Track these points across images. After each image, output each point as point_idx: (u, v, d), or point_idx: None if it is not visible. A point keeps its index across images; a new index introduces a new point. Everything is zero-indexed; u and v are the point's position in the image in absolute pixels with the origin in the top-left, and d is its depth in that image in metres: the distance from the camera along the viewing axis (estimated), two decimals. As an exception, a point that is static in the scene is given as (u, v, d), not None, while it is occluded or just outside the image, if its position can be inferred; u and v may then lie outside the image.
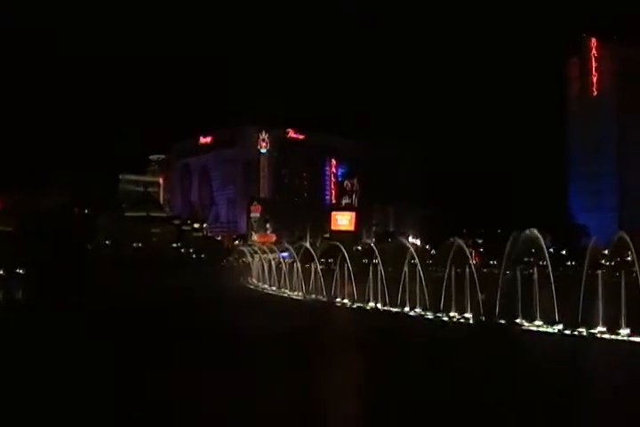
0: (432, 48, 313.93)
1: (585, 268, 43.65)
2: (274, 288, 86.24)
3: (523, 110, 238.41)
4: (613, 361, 33.39)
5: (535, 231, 46.63)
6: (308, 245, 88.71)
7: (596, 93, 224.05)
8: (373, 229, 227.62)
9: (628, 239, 41.15)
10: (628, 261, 44.18)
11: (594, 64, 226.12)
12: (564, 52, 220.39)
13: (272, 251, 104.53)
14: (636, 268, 39.97)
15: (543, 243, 47.07)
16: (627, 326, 37.39)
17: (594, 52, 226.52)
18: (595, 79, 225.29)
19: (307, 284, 74.65)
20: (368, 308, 57.48)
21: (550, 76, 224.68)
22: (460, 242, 54.03)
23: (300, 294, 75.11)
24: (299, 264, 79.36)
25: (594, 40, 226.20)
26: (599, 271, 42.01)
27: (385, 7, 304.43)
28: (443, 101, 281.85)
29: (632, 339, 36.68)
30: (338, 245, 70.00)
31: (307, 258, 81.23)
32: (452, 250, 52.22)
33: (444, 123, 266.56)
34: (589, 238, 46.26)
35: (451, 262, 51.57)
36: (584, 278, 41.83)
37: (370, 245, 65.44)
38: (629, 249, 41.41)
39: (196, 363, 30.21)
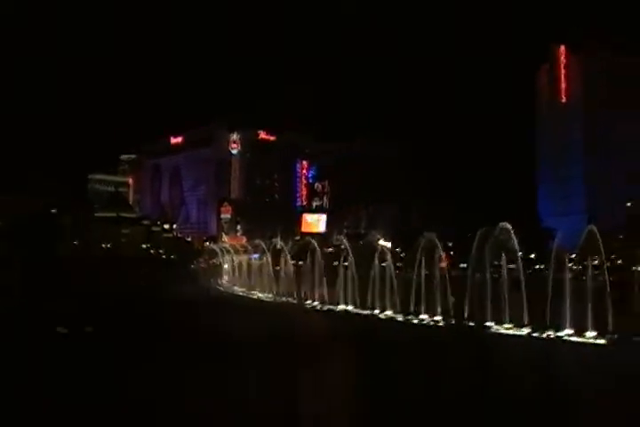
0: (406, 52, 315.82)
1: (551, 271, 44.24)
2: (244, 289, 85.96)
3: (493, 116, 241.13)
4: (577, 363, 33.79)
5: (507, 225, 46.80)
6: (279, 243, 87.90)
7: (564, 99, 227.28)
8: (344, 231, 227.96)
9: (597, 234, 41.74)
10: (595, 264, 44.78)
11: (562, 71, 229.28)
12: (535, 59, 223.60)
13: (245, 250, 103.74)
14: (604, 268, 40.74)
15: (515, 240, 47.24)
16: (593, 329, 38.01)
17: (562, 59, 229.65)
18: (563, 86, 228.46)
19: (277, 285, 74.52)
20: (338, 310, 57.56)
21: (521, 83, 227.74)
22: (432, 236, 53.62)
23: (270, 295, 74.97)
24: (270, 265, 79.21)
25: (563, 47, 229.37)
26: (566, 275, 42.57)
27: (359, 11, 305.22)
28: (415, 105, 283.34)
29: (597, 341, 37.27)
30: (311, 242, 69.78)
31: (277, 259, 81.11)
32: (421, 246, 52.21)
33: (415, 127, 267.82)
34: (558, 242, 46.66)
35: (420, 262, 51.80)
36: (550, 282, 42.48)
37: (340, 246, 65.53)
38: (597, 249, 41.88)
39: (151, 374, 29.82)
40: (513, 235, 46.88)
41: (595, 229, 42.43)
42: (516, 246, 47.58)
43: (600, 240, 41.66)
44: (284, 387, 26.49)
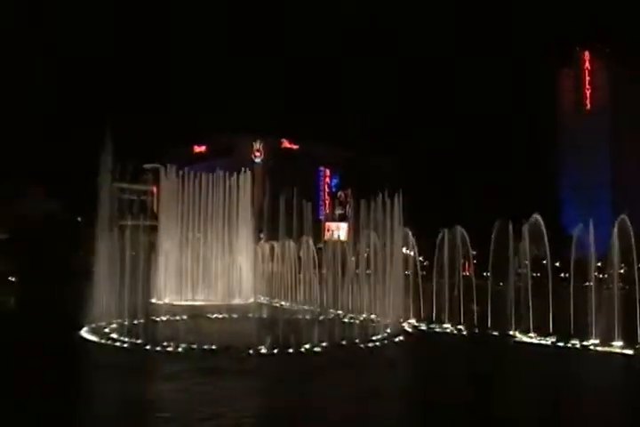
0: (423, 57, 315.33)
1: (571, 279, 43.79)
2: (267, 298, 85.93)
3: (515, 122, 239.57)
4: (607, 373, 33.39)
5: (538, 218, 45.85)
6: (302, 250, 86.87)
7: (589, 106, 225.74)
8: (368, 238, 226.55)
9: (629, 225, 40.69)
10: (622, 273, 44.20)
11: (587, 77, 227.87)
12: (557, 64, 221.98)
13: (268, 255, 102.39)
14: (633, 272, 40.17)
15: (547, 242, 46.46)
16: (620, 339, 37.52)
17: (587, 65, 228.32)
18: (588, 92, 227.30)
19: (300, 293, 74.43)
20: (361, 319, 57.31)
21: (543, 88, 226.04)
22: (462, 230, 52.63)
23: (293, 304, 74.90)
24: (292, 272, 79.14)
25: (587, 53, 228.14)
26: (590, 283, 42.07)
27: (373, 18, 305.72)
28: (433, 111, 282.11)
29: (625, 351, 36.78)
30: (334, 250, 69.56)
31: (299, 266, 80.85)
32: (444, 243, 51.48)
33: (432, 134, 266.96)
34: (583, 251, 46.14)
35: (442, 269, 51.46)
36: (572, 290, 42.15)
37: (363, 255, 65.38)
38: (628, 246, 40.94)
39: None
40: (543, 226, 45.32)
41: (627, 218, 41.12)
42: (547, 247, 46.44)
43: (632, 231, 40.47)
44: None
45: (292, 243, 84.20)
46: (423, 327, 49.97)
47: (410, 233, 57.28)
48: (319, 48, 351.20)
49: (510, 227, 46.51)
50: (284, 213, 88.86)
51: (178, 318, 57.65)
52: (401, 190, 53.46)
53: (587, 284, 42.99)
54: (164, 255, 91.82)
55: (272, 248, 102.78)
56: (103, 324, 45.36)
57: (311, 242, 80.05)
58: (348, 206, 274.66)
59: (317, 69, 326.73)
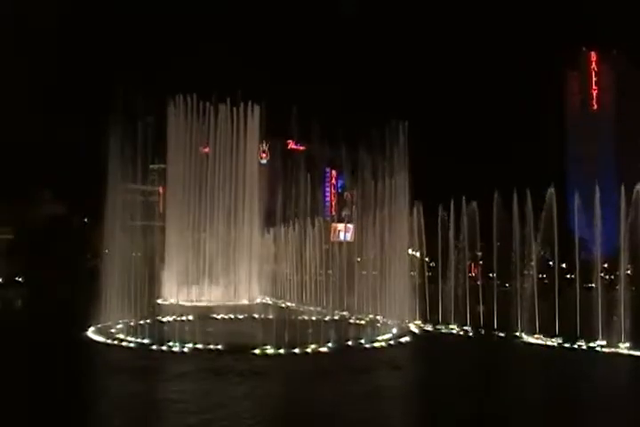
0: (428, 59, 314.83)
1: (577, 280, 43.64)
2: (274, 299, 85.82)
3: (521, 124, 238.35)
4: (607, 373, 33.31)
5: (552, 191, 45.55)
6: (308, 251, 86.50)
7: (596, 107, 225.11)
8: (373, 240, 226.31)
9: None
10: (629, 273, 44.01)
11: (594, 78, 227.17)
12: (564, 65, 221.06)
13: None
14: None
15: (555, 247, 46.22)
16: (627, 340, 37.36)
17: (594, 66, 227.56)
18: (595, 93, 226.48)
19: (305, 294, 74.34)
20: (366, 320, 57.23)
21: (550, 89, 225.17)
22: (474, 205, 52.27)
23: (298, 305, 74.76)
24: (298, 273, 79.03)
25: (594, 54, 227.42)
26: (595, 285, 41.90)
27: (375, 21, 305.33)
28: (438, 112, 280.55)
29: (632, 353, 36.63)
30: (340, 251, 69.48)
31: (305, 267, 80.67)
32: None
33: (436, 134, 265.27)
34: (589, 252, 46.00)
35: (447, 271, 51.40)
36: (578, 292, 42.01)
37: (370, 256, 65.31)
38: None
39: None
40: (554, 203, 44.58)
41: None
42: (555, 250, 45.98)
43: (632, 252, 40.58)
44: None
45: (297, 236, 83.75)
46: (429, 328, 49.88)
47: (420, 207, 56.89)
48: (321, 48, 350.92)
49: (515, 223, 46.47)
50: (290, 214, 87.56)
51: (184, 318, 57.64)
52: (406, 123, 52.71)
53: (591, 285, 42.90)
54: (169, 256, 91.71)
55: (277, 241, 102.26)
56: (110, 324, 45.44)
57: (319, 220, 79.07)
58: (354, 207, 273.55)
59: (319, 69, 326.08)
